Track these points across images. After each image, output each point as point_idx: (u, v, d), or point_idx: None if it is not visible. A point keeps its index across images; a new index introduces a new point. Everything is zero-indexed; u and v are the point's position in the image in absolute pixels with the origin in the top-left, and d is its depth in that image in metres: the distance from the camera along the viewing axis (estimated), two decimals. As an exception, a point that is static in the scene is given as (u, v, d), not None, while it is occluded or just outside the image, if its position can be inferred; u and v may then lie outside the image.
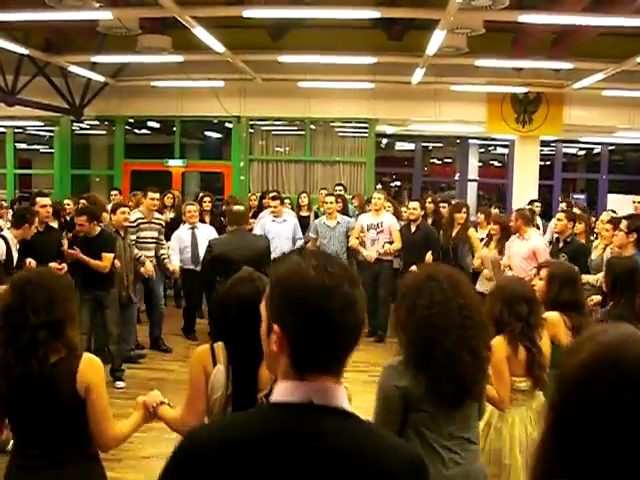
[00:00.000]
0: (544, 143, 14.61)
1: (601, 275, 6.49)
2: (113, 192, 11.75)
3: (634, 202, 9.64)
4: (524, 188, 13.70)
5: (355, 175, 14.32)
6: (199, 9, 8.76)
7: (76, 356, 2.85)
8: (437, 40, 9.16)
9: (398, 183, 19.17)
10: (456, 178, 16.49)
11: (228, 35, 10.24)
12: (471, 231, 9.42)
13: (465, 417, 2.96)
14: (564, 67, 11.49)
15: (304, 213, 11.15)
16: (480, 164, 17.45)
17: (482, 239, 9.05)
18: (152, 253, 8.89)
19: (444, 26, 8.49)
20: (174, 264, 9.11)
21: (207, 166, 15.71)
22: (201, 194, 10.84)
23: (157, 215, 9.17)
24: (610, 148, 15.61)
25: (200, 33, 9.28)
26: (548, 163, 15.40)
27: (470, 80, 12.53)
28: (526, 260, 7.81)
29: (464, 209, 9.55)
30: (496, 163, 19.44)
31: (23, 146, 16.50)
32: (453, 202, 10.85)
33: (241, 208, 7.45)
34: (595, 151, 16.95)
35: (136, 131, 16.30)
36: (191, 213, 9.44)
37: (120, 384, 7.35)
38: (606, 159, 15.43)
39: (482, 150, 17.60)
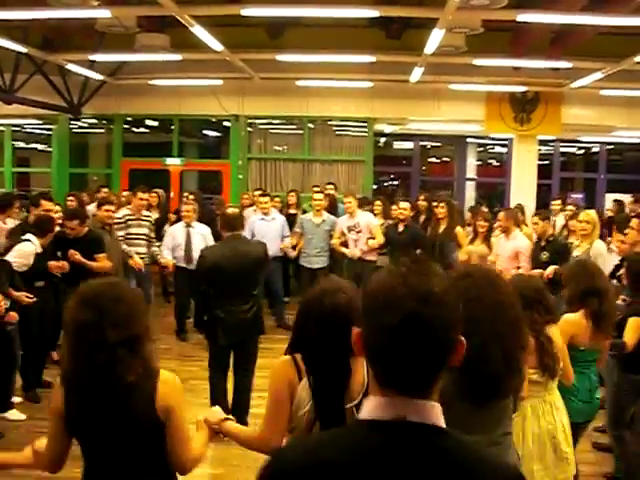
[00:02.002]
0: (542, 142, 14.62)
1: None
2: (104, 189, 11.64)
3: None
4: (522, 187, 13.72)
5: (353, 174, 14.31)
6: (197, 8, 8.74)
7: (153, 375, 2.64)
8: (436, 39, 9.16)
9: (396, 182, 19.15)
10: (454, 177, 16.48)
11: (226, 34, 10.23)
12: (458, 228, 9.53)
13: (495, 414, 2.89)
14: (562, 66, 11.48)
15: (292, 211, 11.15)
16: (478, 163, 17.44)
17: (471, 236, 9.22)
18: (144, 250, 9.02)
19: (443, 25, 8.49)
20: (167, 258, 9.20)
21: (205, 165, 15.67)
22: (185, 193, 10.80)
23: (146, 212, 9.32)
24: (608, 147, 15.61)
25: (198, 32, 9.27)
26: (546, 162, 15.39)
27: (468, 79, 12.52)
28: (509, 260, 8.05)
29: (442, 204, 9.63)
30: (494, 162, 19.40)
31: (21, 144, 16.46)
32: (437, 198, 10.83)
33: (235, 211, 7.05)
34: (593, 150, 16.93)
35: (134, 130, 16.24)
36: (187, 212, 9.43)
37: None
38: (604, 158, 15.44)
39: (480, 149, 17.58)
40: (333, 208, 10.88)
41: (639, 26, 8.48)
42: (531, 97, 13.66)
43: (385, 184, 18.50)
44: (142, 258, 8.93)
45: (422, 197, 10.79)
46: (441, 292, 1.43)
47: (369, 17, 9.89)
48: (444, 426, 1.44)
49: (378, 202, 10.57)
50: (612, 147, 15.94)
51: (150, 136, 16.86)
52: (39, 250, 6.91)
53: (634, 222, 6.87)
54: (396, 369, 1.40)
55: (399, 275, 1.43)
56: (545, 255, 7.90)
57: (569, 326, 4.31)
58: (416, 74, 11.85)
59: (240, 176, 14.20)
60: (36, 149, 17.30)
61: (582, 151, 18.10)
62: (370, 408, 1.44)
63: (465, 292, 2.78)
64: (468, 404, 2.75)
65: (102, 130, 15.76)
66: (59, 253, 7.33)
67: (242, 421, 5.77)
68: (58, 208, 8.55)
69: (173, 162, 14.44)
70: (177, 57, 11.30)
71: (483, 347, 2.68)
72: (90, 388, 2.54)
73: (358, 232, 9.79)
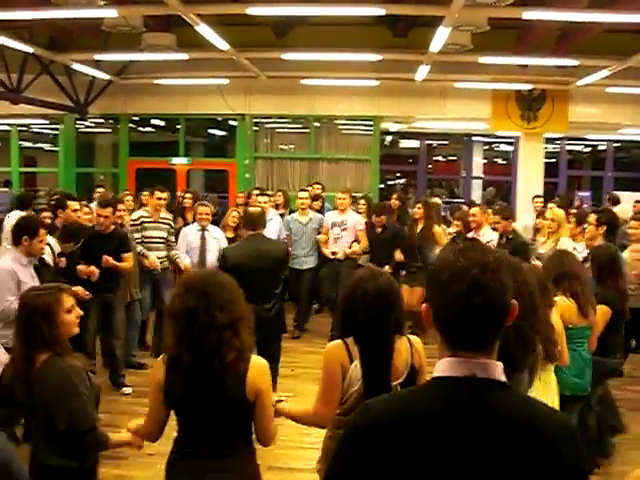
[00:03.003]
0: (549, 140, 14.59)
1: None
2: (99, 189, 11.40)
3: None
4: (529, 185, 13.68)
5: (359, 172, 14.31)
6: (203, 7, 8.75)
7: (245, 359, 2.89)
8: (442, 37, 9.16)
9: (401, 180, 19.17)
10: (461, 175, 16.49)
11: (232, 33, 10.24)
12: (435, 227, 9.57)
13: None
14: (569, 64, 11.45)
15: (280, 211, 10.91)
16: (485, 161, 17.44)
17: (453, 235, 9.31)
18: (162, 254, 8.41)
19: (449, 23, 8.48)
20: (186, 262, 8.44)
21: (212, 164, 15.72)
22: (178, 193, 10.62)
23: (163, 214, 8.67)
24: (615, 145, 15.58)
25: (204, 31, 9.29)
26: (553, 160, 15.37)
27: (475, 77, 12.51)
28: None
29: (418, 204, 9.69)
30: (500, 160, 19.41)
31: (28, 144, 16.52)
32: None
33: (257, 210, 6.78)
34: (600, 148, 16.91)
35: (140, 129, 16.30)
36: (202, 215, 8.57)
37: (127, 390, 7.20)
38: (611, 156, 15.41)
39: (486, 147, 17.58)
40: (321, 207, 10.75)
41: (646, 23, 8.46)
42: (537, 95, 13.63)
43: (399, 183, 18.56)
44: (161, 263, 8.42)
45: (394, 197, 10.70)
46: (494, 262, 1.65)
47: (375, 15, 9.87)
48: (505, 380, 1.65)
49: (363, 201, 10.50)
50: (619, 145, 15.90)
51: (156, 135, 16.93)
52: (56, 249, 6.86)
53: (592, 218, 7.11)
54: (464, 331, 1.62)
55: (458, 252, 1.66)
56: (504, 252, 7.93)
57: (559, 308, 4.51)
58: (422, 72, 11.84)
59: (247, 175, 14.22)
60: (43, 149, 17.40)
61: (589, 149, 18.09)
62: (443, 368, 1.64)
63: None
64: None
65: (108, 130, 15.82)
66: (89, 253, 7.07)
67: None
68: (85, 207, 8.34)
69: (179, 161, 14.46)
70: (183, 56, 11.31)
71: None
72: (194, 366, 2.78)
73: (343, 229, 9.71)
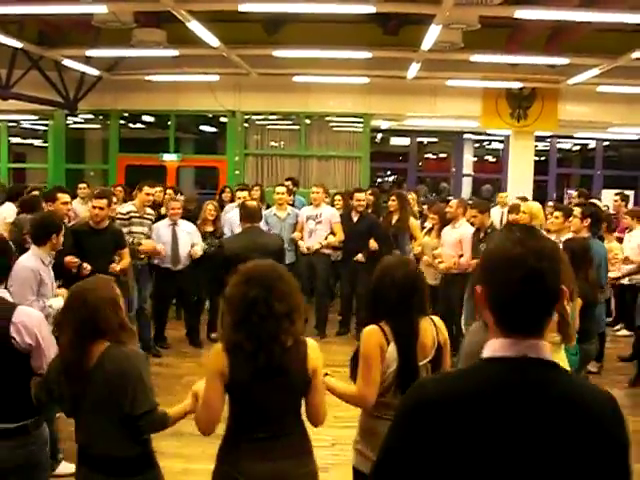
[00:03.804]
0: (539, 138, 14.65)
1: None
2: (81, 185, 11.13)
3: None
4: (519, 183, 13.73)
5: (350, 170, 14.32)
6: (194, 3, 8.72)
7: (302, 341, 3.05)
8: (433, 35, 9.17)
9: (392, 178, 19.19)
10: (451, 173, 16.52)
11: (223, 29, 10.22)
12: (411, 220, 9.69)
13: None
14: (559, 63, 11.50)
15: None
16: (475, 159, 17.48)
17: (427, 228, 9.42)
18: (145, 238, 8.42)
19: (440, 21, 8.49)
20: (161, 246, 8.47)
21: (202, 161, 15.69)
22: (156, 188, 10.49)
23: (149, 210, 8.73)
24: (605, 144, 15.65)
25: (195, 27, 9.27)
26: (543, 158, 15.43)
27: (465, 75, 12.54)
28: (453, 247, 8.49)
29: (392, 197, 9.82)
30: (491, 158, 19.46)
31: (17, 140, 16.44)
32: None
33: (254, 204, 7.02)
34: (590, 147, 16.98)
35: (131, 125, 16.25)
36: (174, 210, 8.77)
37: None
38: (601, 155, 15.48)
39: (477, 145, 17.62)
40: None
41: (636, 22, 8.49)
42: (528, 93, 13.68)
43: (389, 180, 18.57)
44: (141, 259, 8.43)
45: (369, 191, 10.71)
46: (550, 250, 1.73)
47: (366, 13, 9.87)
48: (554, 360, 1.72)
49: (338, 196, 10.48)
50: (608, 143, 15.97)
51: (146, 132, 16.86)
52: None
53: (577, 211, 7.38)
54: (518, 315, 1.69)
55: (515, 239, 1.72)
56: (483, 247, 8.19)
57: None
58: (413, 70, 11.86)
59: (237, 172, 14.20)
60: (32, 144, 17.29)
61: (578, 147, 18.16)
62: (495, 348, 1.71)
63: None
64: None
65: (98, 126, 15.75)
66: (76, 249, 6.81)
67: None
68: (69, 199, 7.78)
69: (170, 158, 14.43)
70: (174, 53, 11.29)
71: None
72: (255, 352, 2.89)
73: (318, 223, 9.66)
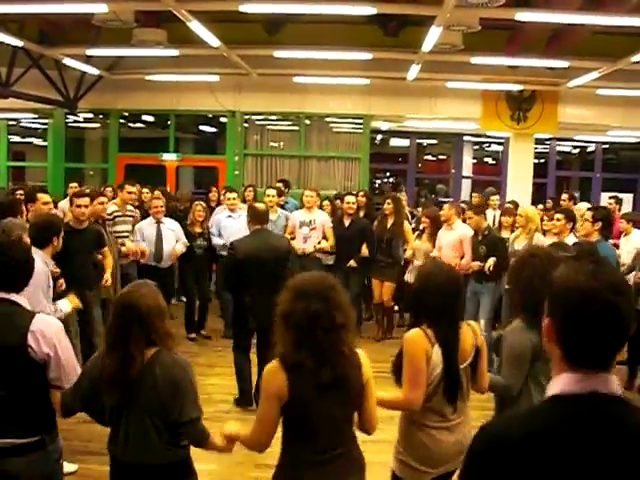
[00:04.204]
0: (538, 141, 14.64)
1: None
2: (72, 184, 10.93)
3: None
4: (518, 186, 13.74)
5: (349, 171, 14.32)
6: (195, 3, 8.71)
7: (355, 352, 3.05)
8: (433, 37, 9.17)
9: (391, 180, 19.18)
10: (450, 175, 16.52)
11: (224, 29, 10.21)
12: (405, 224, 9.75)
13: None
14: (559, 65, 11.49)
15: None
16: (474, 161, 17.47)
17: (417, 230, 9.60)
18: (128, 240, 8.65)
19: (440, 23, 8.49)
20: (144, 246, 8.69)
21: (201, 160, 15.69)
22: (144, 189, 10.52)
23: (130, 208, 8.98)
24: (604, 147, 15.65)
25: (196, 27, 9.26)
26: (542, 161, 15.43)
27: (465, 77, 12.53)
28: (453, 249, 8.60)
29: (388, 200, 9.83)
30: (490, 160, 19.46)
31: (17, 139, 16.43)
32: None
33: (263, 206, 7.21)
34: (589, 149, 16.98)
35: (130, 125, 16.24)
36: (157, 208, 8.99)
37: None
38: (600, 157, 15.47)
39: (476, 147, 17.62)
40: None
41: (636, 26, 8.49)
42: (527, 96, 13.68)
43: (388, 182, 18.54)
44: (126, 257, 8.61)
45: (361, 193, 10.73)
46: (623, 283, 1.70)
47: (367, 14, 9.87)
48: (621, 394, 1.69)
49: (326, 202, 10.47)
50: (608, 146, 15.97)
51: (146, 131, 16.85)
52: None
53: (587, 214, 7.51)
54: (591, 350, 1.65)
55: (588, 272, 1.67)
56: (482, 249, 8.41)
57: None
58: (413, 72, 11.85)
59: (236, 172, 14.19)
60: (32, 143, 17.28)
61: (578, 150, 18.16)
62: (564, 384, 1.67)
63: (533, 269, 3.57)
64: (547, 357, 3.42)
65: (98, 125, 15.73)
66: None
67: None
68: (50, 199, 7.86)
69: (169, 157, 14.42)
70: (174, 52, 11.28)
71: None
72: (318, 368, 2.87)
73: (312, 229, 9.67)
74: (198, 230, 9.44)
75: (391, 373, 3.63)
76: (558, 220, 7.73)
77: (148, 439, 3.11)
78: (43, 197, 7.27)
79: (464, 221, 8.92)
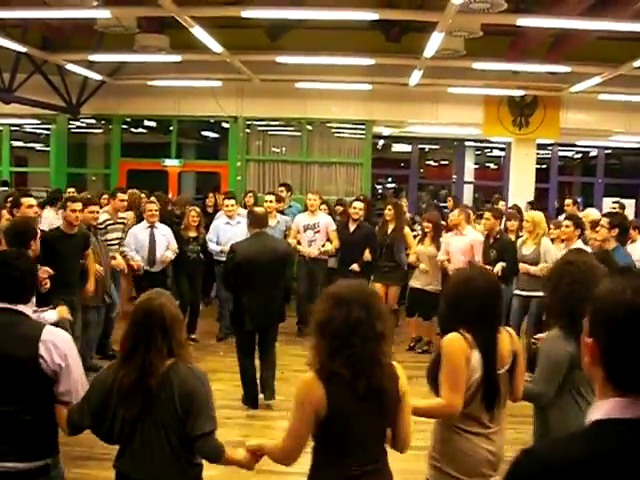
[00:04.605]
0: (540, 146, 14.63)
1: (543, 265, 7.86)
2: (70, 189, 11.36)
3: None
4: (520, 191, 13.74)
5: (351, 176, 14.32)
6: (197, 9, 8.75)
7: (391, 363, 2.96)
8: (435, 42, 9.18)
9: (393, 185, 19.19)
10: (452, 180, 16.52)
11: (226, 35, 10.23)
12: (406, 229, 9.83)
13: None
14: (561, 71, 11.50)
15: None
16: (476, 166, 17.47)
17: (419, 236, 9.66)
18: (118, 253, 8.72)
19: (442, 29, 8.50)
20: (137, 260, 8.88)
21: (204, 166, 15.69)
22: (143, 195, 10.57)
23: (121, 215, 9.07)
24: (606, 152, 15.64)
25: (198, 33, 9.28)
26: (544, 166, 15.42)
27: (467, 82, 12.54)
28: (464, 254, 8.66)
29: (389, 206, 9.89)
30: (492, 165, 19.46)
31: (19, 144, 16.46)
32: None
33: (262, 210, 7.49)
34: (591, 155, 16.98)
35: (133, 130, 16.26)
36: (152, 212, 9.10)
37: None
38: (602, 163, 15.47)
39: (478, 152, 17.62)
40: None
41: (638, 31, 8.49)
42: (529, 101, 13.68)
43: (390, 187, 18.53)
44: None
45: (361, 198, 10.77)
46: None
47: (369, 20, 9.89)
48: None
49: (324, 206, 10.57)
50: (610, 152, 15.96)
51: (148, 137, 16.87)
52: None
53: (604, 221, 7.48)
54: (636, 370, 1.53)
55: (634, 287, 1.55)
56: (493, 253, 8.54)
57: None
58: (415, 77, 11.86)
59: (238, 177, 14.20)
60: (34, 149, 17.31)
61: (580, 155, 18.15)
62: (610, 408, 1.55)
63: (571, 276, 3.60)
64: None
65: (100, 130, 15.76)
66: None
67: (270, 391, 7.11)
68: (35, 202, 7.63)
69: (171, 163, 14.43)
70: (176, 58, 11.30)
71: None
72: (356, 378, 2.78)
73: (316, 232, 9.86)
74: (192, 234, 9.54)
75: (426, 379, 3.56)
76: (567, 227, 7.81)
77: (162, 456, 3.00)
78: (27, 201, 7.21)
79: (480, 217, 9.13)
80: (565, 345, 3.55)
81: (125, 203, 9.19)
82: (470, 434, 3.42)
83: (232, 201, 9.88)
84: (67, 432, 3.22)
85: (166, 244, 9.14)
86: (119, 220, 8.94)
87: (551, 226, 8.81)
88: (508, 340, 3.49)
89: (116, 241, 8.74)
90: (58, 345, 3.17)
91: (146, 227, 9.11)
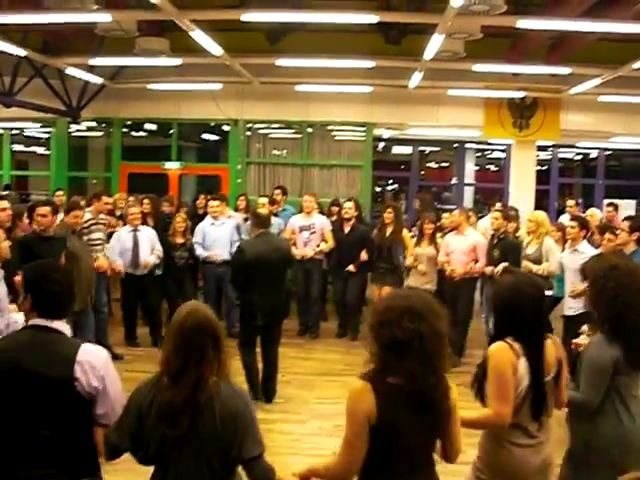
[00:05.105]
0: (541, 148, 14.65)
1: (545, 265, 8.04)
2: (58, 192, 11.46)
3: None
4: (520, 193, 13.73)
5: (352, 179, 14.32)
6: (197, 12, 8.75)
7: (444, 376, 2.86)
8: (435, 45, 9.18)
9: (395, 187, 19.21)
10: (453, 182, 16.53)
11: (226, 38, 10.23)
12: (404, 231, 9.90)
13: None
14: (561, 72, 11.50)
15: (242, 215, 10.90)
16: (477, 168, 17.48)
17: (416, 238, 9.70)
18: (101, 255, 8.75)
19: (442, 31, 8.50)
20: (119, 263, 8.97)
21: (204, 169, 15.71)
22: (141, 196, 10.64)
23: (102, 215, 9.19)
24: (606, 153, 15.65)
25: (198, 36, 9.28)
26: (545, 168, 15.43)
27: (467, 85, 12.55)
28: (466, 254, 8.81)
29: (389, 209, 9.96)
30: (493, 167, 19.47)
31: (20, 148, 16.47)
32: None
33: (266, 212, 7.91)
34: (591, 156, 16.99)
35: (133, 133, 16.27)
36: (134, 215, 9.22)
37: None
38: (602, 164, 15.48)
39: (479, 154, 17.63)
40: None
41: (638, 32, 8.49)
42: (530, 103, 13.69)
43: (389, 190, 18.57)
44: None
45: (351, 199, 10.82)
46: None
47: (369, 23, 9.89)
48: None
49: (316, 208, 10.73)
50: (610, 153, 15.97)
51: (149, 140, 16.88)
52: None
53: (624, 224, 7.49)
54: None
55: None
56: (496, 252, 8.62)
57: None
58: (415, 79, 11.87)
59: (239, 180, 14.21)
60: (35, 152, 17.32)
61: (580, 157, 18.17)
62: None
63: (616, 280, 3.62)
64: (631, 370, 3.59)
65: (101, 134, 15.77)
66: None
67: (272, 390, 7.35)
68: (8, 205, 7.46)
69: (172, 166, 14.44)
70: (177, 61, 11.31)
71: (637, 323, 3.55)
72: (414, 391, 2.71)
73: (312, 233, 10.03)
74: (180, 241, 9.68)
75: (471, 388, 3.51)
76: (572, 227, 7.88)
77: (199, 479, 2.84)
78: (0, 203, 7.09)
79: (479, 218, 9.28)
80: (609, 350, 3.56)
81: (109, 206, 9.39)
82: (518, 446, 3.37)
83: (217, 202, 10.06)
84: (106, 457, 3.04)
85: (150, 247, 9.23)
86: (101, 221, 9.07)
87: (553, 228, 8.91)
88: (552, 347, 3.46)
89: (99, 242, 8.83)
90: (95, 365, 2.99)
91: (129, 230, 9.21)
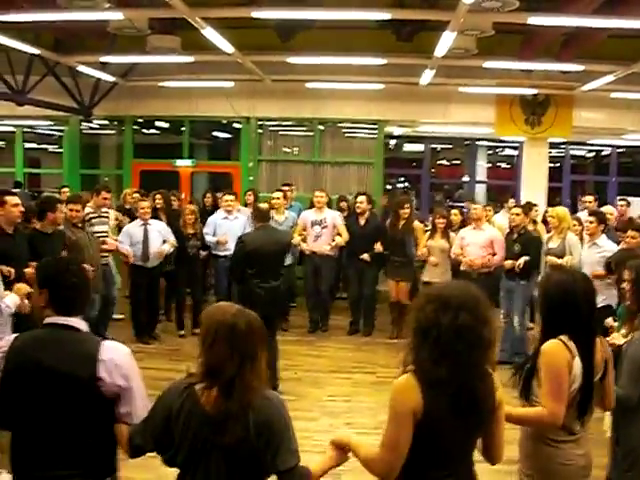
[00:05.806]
0: (553, 145, 14.58)
1: (568, 258, 8.20)
2: (64, 189, 11.63)
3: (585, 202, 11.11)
4: (533, 190, 13.68)
5: (363, 176, 14.31)
6: (209, 10, 8.77)
7: (490, 372, 2.80)
8: (446, 42, 9.16)
9: (406, 184, 19.19)
10: (464, 180, 16.50)
11: (237, 36, 10.26)
12: (416, 223, 10.15)
13: None
14: (573, 69, 11.45)
15: (250, 209, 11.08)
16: (489, 165, 17.44)
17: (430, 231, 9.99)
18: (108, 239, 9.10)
19: (454, 28, 8.49)
20: (127, 248, 9.19)
21: (216, 166, 15.74)
22: (153, 192, 10.73)
23: (104, 209, 9.41)
24: (619, 150, 15.56)
25: (209, 34, 9.31)
26: (557, 165, 15.37)
27: (479, 82, 12.52)
28: (483, 248, 9.12)
29: (407, 204, 10.20)
30: (504, 165, 19.42)
31: (32, 145, 16.55)
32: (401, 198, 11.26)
33: (266, 206, 8.29)
34: (604, 153, 16.90)
35: (145, 131, 16.32)
36: (144, 209, 9.46)
37: None
38: (615, 161, 15.39)
39: (490, 152, 17.58)
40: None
41: (651, 29, 8.46)
42: (542, 100, 13.63)
43: (400, 187, 18.56)
44: (105, 257, 9.05)
45: (362, 192, 10.97)
46: None
47: (380, 20, 9.88)
48: None
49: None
50: (623, 150, 15.89)
51: (161, 137, 16.94)
52: None
53: (591, 218, 7.96)
54: None
55: None
56: (517, 247, 8.82)
57: None
58: (427, 76, 11.85)
59: (251, 178, 14.23)
60: (47, 150, 17.41)
61: (593, 154, 18.08)
62: None
63: None
64: None
65: (113, 131, 15.82)
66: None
67: (274, 378, 7.19)
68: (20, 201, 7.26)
69: (183, 164, 14.47)
70: (188, 59, 11.34)
71: None
72: (459, 387, 2.64)
73: (323, 227, 10.15)
74: (190, 231, 9.88)
75: (518, 385, 3.47)
76: (590, 222, 8.07)
77: None
78: (11, 199, 6.79)
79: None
80: None
81: (108, 202, 9.55)
82: (562, 443, 3.34)
83: (232, 197, 10.42)
84: (129, 454, 2.95)
85: (161, 240, 9.43)
86: (103, 214, 9.30)
87: (575, 223, 9.10)
88: (599, 347, 3.40)
89: (104, 234, 9.08)
90: (119, 364, 2.92)
91: (140, 225, 9.43)
